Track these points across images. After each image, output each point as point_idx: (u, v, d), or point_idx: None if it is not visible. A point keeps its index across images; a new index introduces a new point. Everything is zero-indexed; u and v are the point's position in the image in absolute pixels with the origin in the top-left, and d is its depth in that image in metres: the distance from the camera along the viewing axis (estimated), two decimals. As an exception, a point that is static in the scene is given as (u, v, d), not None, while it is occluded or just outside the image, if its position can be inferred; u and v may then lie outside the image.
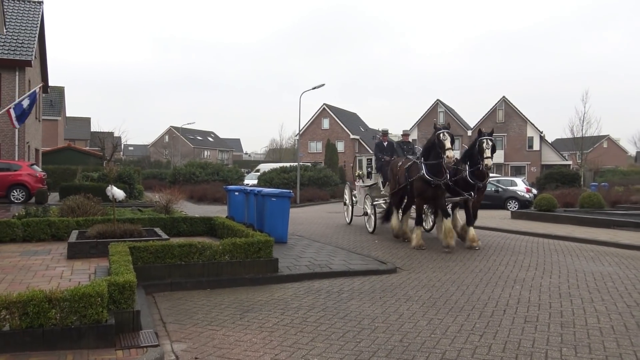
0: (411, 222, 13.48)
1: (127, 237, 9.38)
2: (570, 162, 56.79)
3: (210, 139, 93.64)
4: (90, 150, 41.26)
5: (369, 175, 16.33)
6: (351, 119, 71.03)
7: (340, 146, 62.99)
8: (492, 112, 60.79)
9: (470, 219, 12.27)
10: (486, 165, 11.52)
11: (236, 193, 15.39)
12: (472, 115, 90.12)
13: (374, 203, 15.07)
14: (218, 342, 5.34)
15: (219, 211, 20.46)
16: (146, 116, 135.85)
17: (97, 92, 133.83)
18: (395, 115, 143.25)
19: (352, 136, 65.24)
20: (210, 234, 12.16)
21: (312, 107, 73.48)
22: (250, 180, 38.76)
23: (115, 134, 54.08)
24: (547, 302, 7.04)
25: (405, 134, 15.61)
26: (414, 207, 12.94)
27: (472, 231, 12.19)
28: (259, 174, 41.45)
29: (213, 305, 6.86)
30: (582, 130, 46.58)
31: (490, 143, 11.67)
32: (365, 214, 15.51)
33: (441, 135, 11.09)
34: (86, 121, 60.58)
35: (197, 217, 12.69)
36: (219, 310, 6.60)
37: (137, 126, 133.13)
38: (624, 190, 28.99)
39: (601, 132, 53.79)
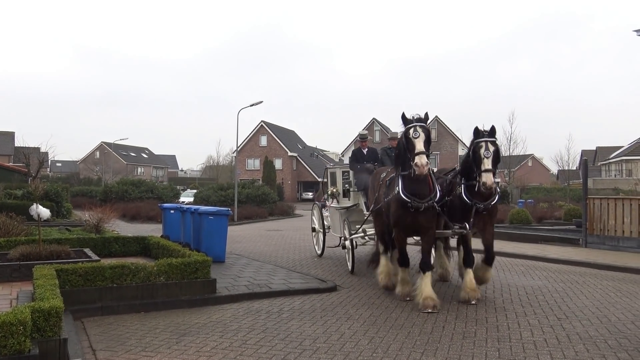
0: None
1: (53, 258, 8.84)
2: (499, 180, 59.21)
3: (145, 155, 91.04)
4: (13, 166, 38.99)
5: (345, 193, 11.95)
6: (289, 136, 71.21)
7: (278, 163, 62.93)
8: (426, 131, 62.70)
9: (469, 258, 8.37)
10: (484, 183, 7.57)
11: (172, 211, 14.95)
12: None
13: (354, 234, 10.76)
14: (153, 369, 5.07)
15: (153, 230, 19.80)
16: (75, 132, 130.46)
17: (19, 105, 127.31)
18: (331, 134, 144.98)
19: (290, 153, 65.35)
20: (144, 254, 11.70)
21: (250, 124, 73.03)
22: (187, 197, 37.91)
23: (42, 149, 51.44)
24: (483, 316, 7.20)
25: (393, 138, 10.83)
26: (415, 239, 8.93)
27: (470, 276, 8.18)
28: (195, 191, 40.65)
29: (147, 329, 6.54)
30: (509, 149, 48.74)
31: (491, 148, 7.79)
32: (343, 247, 11.45)
33: (411, 131, 7.40)
34: (9, 136, 57.34)
35: (130, 237, 12.18)
36: (154, 334, 6.30)
37: (65, 142, 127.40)
38: (548, 206, 30.55)
39: (526, 151, 56.58)
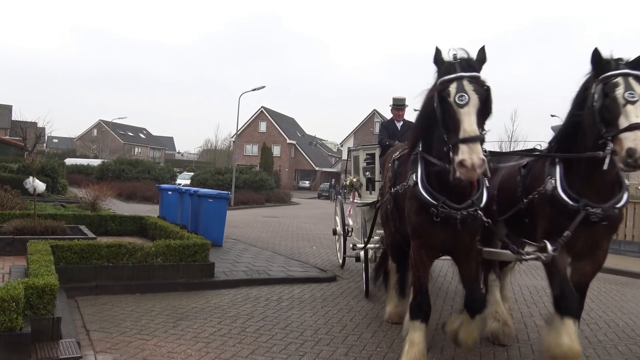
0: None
1: (48, 234, 8.61)
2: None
3: (142, 135, 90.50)
4: (10, 139, 38.58)
5: (370, 183, 8.68)
6: (288, 124, 70.84)
7: (276, 150, 62.56)
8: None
9: (566, 300, 4.38)
10: (630, 151, 3.69)
11: (169, 192, 14.74)
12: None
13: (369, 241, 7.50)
14: (148, 353, 4.88)
15: (149, 210, 19.55)
16: (73, 109, 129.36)
17: (18, 79, 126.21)
18: (329, 124, 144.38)
19: (288, 141, 65.02)
20: (141, 234, 11.48)
21: (248, 110, 72.51)
22: (183, 180, 37.59)
23: (39, 125, 50.97)
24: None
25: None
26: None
27: (563, 330, 4.29)
28: (192, 174, 40.36)
29: (143, 311, 6.34)
30: (509, 146, 48.60)
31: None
32: (358, 259, 7.99)
33: (453, 90, 3.94)
34: (6, 109, 56.68)
35: (126, 216, 11.97)
36: (150, 317, 6.10)
37: (63, 118, 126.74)
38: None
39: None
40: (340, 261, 10.19)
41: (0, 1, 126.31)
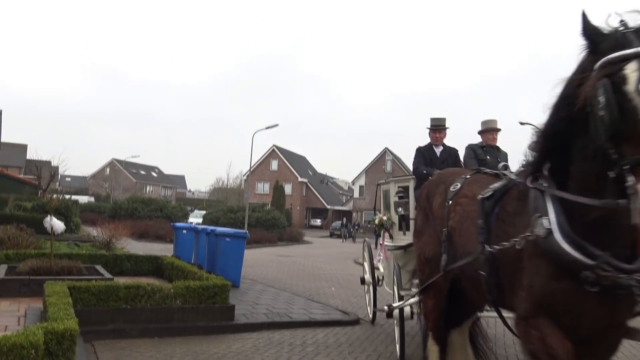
0: None
1: (64, 274, 8.39)
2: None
3: (154, 174, 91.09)
4: (24, 178, 38.89)
5: (403, 222, 7.11)
6: (300, 162, 71.05)
7: (287, 189, 62.53)
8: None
9: None
10: None
11: (184, 231, 14.53)
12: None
13: (406, 295, 6.33)
14: (172, 404, 4.57)
15: (162, 249, 19.35)
16: (86, 148, 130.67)
17: (34, 119, 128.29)
18: (340, 162, 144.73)
19: (300, 179, 65.05)
20: (157, 274, 11.22)
21: (259, 149, 72.87)
22: (195, 218, 37.49)
23: (53, 163, 51.49)
24: None
25: (488, 130, 6.90)
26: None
27: None
28: (203, 212, 40.29)
29: (163, 357, 6.04)
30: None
31: None
32: (389, 314, 6.23)
33: (628, 70, 2.36)
34: (22, 148, 57.41)
35: (142, 255, 11.75)
36: (171, 364, 5.80)
37: (76, 157, 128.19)
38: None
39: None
40: (371, 315, 8.65)
41: (17, 44, 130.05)
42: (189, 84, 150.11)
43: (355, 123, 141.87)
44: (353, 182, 68.36)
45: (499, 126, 6.95)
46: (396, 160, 63.88)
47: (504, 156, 6.74)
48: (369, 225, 49.51)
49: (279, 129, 40.76)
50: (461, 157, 6.96)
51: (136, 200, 38.88)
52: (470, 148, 6.80)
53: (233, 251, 11.18)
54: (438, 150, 7.04)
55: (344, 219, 54.17)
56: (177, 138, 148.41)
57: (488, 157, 6.53)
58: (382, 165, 61.69)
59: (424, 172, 6.51)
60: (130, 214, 35.38)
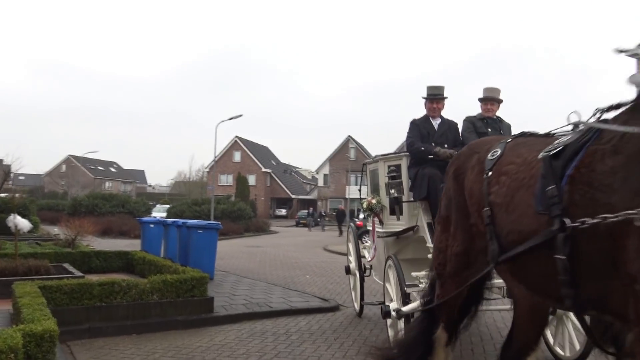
0: None
1: (32, 274, 8.01)
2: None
3: (113, 169, 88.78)
4: (-25, 178, 37.21)
5: (397, 205, 6.37)
6: (263, 152, 70.55)
7: (251, 179, 62.01)
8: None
9: None
10: None
11: (152, 225, 14.19)
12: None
13: (408, 289, 5.44)
14: (161, 402, 4.40)
15: (127, 245, 18.82)
16: (40, 145, 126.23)
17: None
18: (304, 151, 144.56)
19: (263, 169, 64.62)
20: (127, 270, 10.90)
21: (222, 141, 71.80)
22: (159, 212, 36.71)
23: (5, 162, 49.45)
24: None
25: (491, 100, 6.17)
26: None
27: None
28: (167, 206, 39.51)
29: (145, 354, 5.83)
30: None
31: None
32: (386, 314, 5.75)
33: None
34: (-29, 147, 55.02)
35: (111, 251, 11.38)
36: (154, 360, 5.61)
37: (29, 155, 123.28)
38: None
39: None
40: (357, 308, 7.97)
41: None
42: (146, 76, 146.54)
43: (316, 114, 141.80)
44: (317, 171, 68.33)
45: (501, 97, 6.22)
46: (359, 148, 64.09)
47: (507, 128, 6.11)
48: (333, 213, 49.69)
49: (241, 121, 40.36)
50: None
51: (97, 196, 37.78)
52: (469, 121, 6.14)
53: (206, 243, 10.95)
54: (436, 122, 6.17)
55: (310, 207, 54.09)
56: (136, 132, 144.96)
57: (489, 130, 5.91)
58: (345, 153, 61.79)
59: (422, 149, 5.85)
60: (91, 210, 34.33)
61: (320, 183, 66.60)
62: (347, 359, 5.69)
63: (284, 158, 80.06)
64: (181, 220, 12.11)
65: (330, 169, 63.55)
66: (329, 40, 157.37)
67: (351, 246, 8.30)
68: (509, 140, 3.35)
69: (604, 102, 2.80)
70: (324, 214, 46.03)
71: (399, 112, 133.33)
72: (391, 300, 5.88)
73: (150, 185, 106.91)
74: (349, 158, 59.75)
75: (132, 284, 7.09)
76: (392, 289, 5.86)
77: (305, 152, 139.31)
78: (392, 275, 5.81)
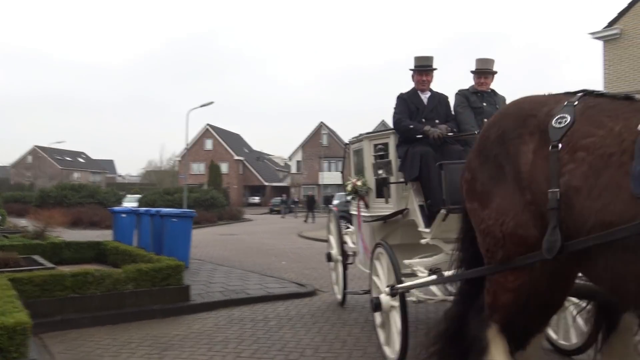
0: None
1: (1, 267, 7.77)
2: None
3: (81, 159, 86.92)
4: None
5: (385, 187, 5.86)
6: (235, 140, 69.99)
7: (224, 167, 61.53)
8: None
9: None
10: None
11: (124, 215, 13.95)
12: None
13: (402, 285, 4.67)
14: (140, 391, 4.34)
15: (99, 236, 18.40)
16: (3, 135, 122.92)
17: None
18: (276, 139, 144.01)
19: (236, 157, 64.19)
20: (100, 260, 10.66)
21: (194, 128, 70.87)
22: (130, 202, 36.16)
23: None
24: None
25: (485, 73, 5.71)
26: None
27: None
28: (138, 196, 38.97)
29: (121, 344, 5.73)
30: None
31: None
32: (377, 307, 5.03)
33: None
34: None
35: (83, 242, 11.14)
36: (130, 350, 5.52)
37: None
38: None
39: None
40: (340, 297, 7.58)
41: None
42: (113, 64, 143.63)
43: (288, 100, 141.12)
44: (290, 158, 68.18)
45: (495, 68, 5.78)
46: (332, 135, 64.10)
47: (502, 101, 5.66)
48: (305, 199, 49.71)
49: (212, 108, 39.94)
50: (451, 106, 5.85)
51: (65, 187, 36.98)
52: (462, 95, 5.70)
53: (181, 231, 10.81)
54: (425, 96, 5.71)
55: (283, 195, 53.96)
56: (104, 121, 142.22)
57: (484, 104, 5.57)
58: (318, 140, 61.78)
59: (410, 127, 5.43)
60: (59, 201, 33.56)
61: (294, 170, 66.50)
62: (326, 342, 5.68)
63: (256, 145, 79.65)
64: (154, 209, 11.93)
65: (303, 156, 63.47)
66: (299, 27, 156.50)
67: (332, 232, 7.89)
68: (575, 102, 2.69)
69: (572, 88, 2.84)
70: (296, 200, 45.92)
71: (370, 97, 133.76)
72: (380, 292, 5.19)
73: (120, 175, 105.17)
74: (321, 144, 59.85)
75: (105, 274, 6.97)
76: (382, 278, 5.19)
77: (277, 139, 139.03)
78: (383, 263, 5.20)
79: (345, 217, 9.34)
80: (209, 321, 6.77)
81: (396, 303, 4.72)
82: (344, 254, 7.30)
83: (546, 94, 3.03)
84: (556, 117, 2.66)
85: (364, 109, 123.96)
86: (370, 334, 6.00)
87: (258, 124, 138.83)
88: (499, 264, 2.92)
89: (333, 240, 7.85)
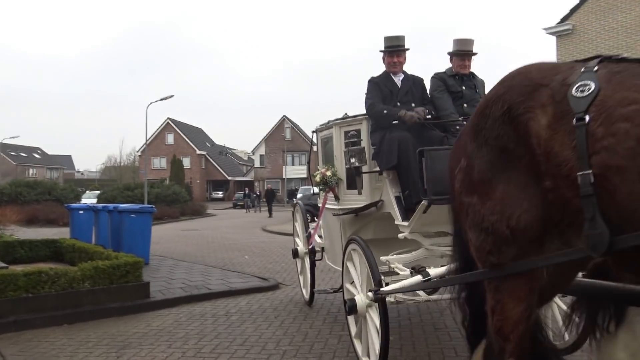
0: None
1: (-52, 267, 7.48)
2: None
3: (37, 155, 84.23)
4: None
5: (357, 177, 5.11)
6: (197, 134, 69.08)
7: (186, 162, 60.71)
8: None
9: None
10: None
11: (81, 212, 13.58)
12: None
13: (387, 289, 4.11)
14: (97, 391, 4.25)
15: (56, 234, 17.93)
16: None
17: None
18: (239, 133, 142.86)
19: (198, 152, 63.39)
20: (56, 259, 10.36)
21: (154, 122, 69.65)
22: (89, 199, 35.25)
23: None
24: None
25: (465, 53, 5.30)
26: None
27: None
28: (97, 192, 38.06)
29: (77, 344, 5.60)
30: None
31: None
32: (352, 309, 4.50)
33: None
34: None
35: (38, 240, 10.81)
36: (87, 349, 5.39)
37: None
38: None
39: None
40: (307, 296, 7.09)
41: None
42: (67, 56, 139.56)
43: (250, 94, 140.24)
44: (253, 152, 67.83)
45: (475, 49, 5.38)
46: (295, 128, 64.00)
47: (481, 85, 5.37)
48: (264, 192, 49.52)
49: (172, 102, 39.15)
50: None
51: (20, 184, 35.68)
52: (438, 78, 5.28)
53: (140, 228, 10.61)
54: (398, 79, 5.30)
55: (246, 189, 53.64)
56: (61, 116, 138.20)
57: (464, 88, 5.22)
58: (281, 133, 61.56)
59: (384, 112, 5.00)
60: (13, 199, 32.43)
61: (257, 164, 66.21)
62: (288, 336, 5.68)
63: (219, 140, 79.01)
64: (112, 205, 11.66)
65: (267, 150, 63.24)
66: (260, 18, 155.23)
67: (298, 226, 7.39)
68: (594, 67, 2.28)
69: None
70: (257, 194, 45.51)
71: (332, 91, 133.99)
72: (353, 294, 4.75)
73: (78, 171, 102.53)
74: (284, 138, 59.65)
75: (60, 272, 6.77)
76: (356, 278, 4.69)
77: (240, 133, 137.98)
78: (357, 261, 4.65)
79: (310, 211, 9.28)
80: (169, 318, 6.67)
81: (374, 305, 4.26)
82: (311, 250, 6.82)
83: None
84: (576, 86, 2.22)
85: (327, 102, 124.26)
86: (331, 326, 6.04)
87: (220, 118, 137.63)
88: (508, 266, 2.41)
89: (298, 237, 7.45)
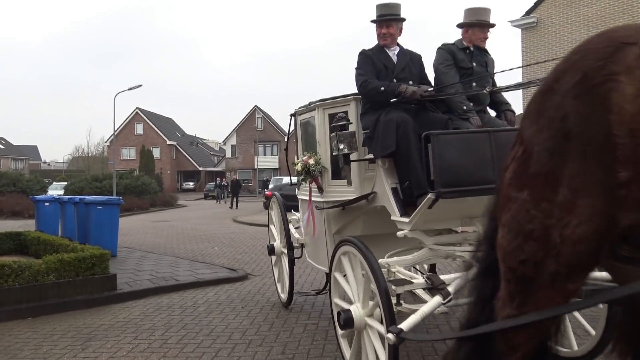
0: None
1: None
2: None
3: (1, 145, 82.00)
4: None
5: (343, 164, 4.16)
6: (167, 124, 68.17)
7: (156, 152, 59.94)
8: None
9: None
10: None
11: (47, 204, 13.36)
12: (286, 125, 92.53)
13: (411, 337, 3.18)
14: (61, 383, 4.26)
15: (21, 226, 17.62)
16: None
17: None
18: (210, 123, 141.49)
19: (168, 142, 62.58)
20: (21, 252, 10.21)
21: (123, 112, 68.31)
22: (55, 190, 34.59)
23: None
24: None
25: (482, 25, 4.54)
26: None
27: None
28: (64, 183, 37.34)
29: (42, 337, 5.58)
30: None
31: None
32: (349, 322, 3.62)
33: None
34: None
35: (1, 233, 10.61)
36: (52, 342, 5.38)
37: None
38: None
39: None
40: (285, 297, 6.38)
41: None
42: (32, 41, 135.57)
43: (221, 83, 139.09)
44: (224, 142, 67.28)
45: (492, 20, 4.64)
46: (266, 118, 63.71)
47: (492, 63, 4.73)
48: (243, 184, 49.37)
49: (142, 92, 38.68)
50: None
51: (-18, 175, 34.82)
52: (447, 50, 4.55)
53: (107, 219, 10.51)
54: (393, 53, 4.58)
55: (218, 179, 53.29)
56: (25, 104, 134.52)
57: (474, 65, 4.54)
58: (252, 124, 61.23)
59: (381, 88, 4.26)
60: (-24, 191, 31.66)
61: (228, 154, 65.74)
62: (254, 325, 5.76)
63: (189, 130, 78.16)
64: (78, 197, 11.51)
65: (238, 140, 62.84)
66: (230, 7, 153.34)
67: (275, 220, 6.71)
68: None
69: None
70: (225, 184, 44.81)
71: (303, 80, 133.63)
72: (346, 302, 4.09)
73: (45, 162, 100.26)
74: (256, 128, 59.38)
75: (24, 265, 6.71)
76: (351, 287, 3.93)
77: (211, 123, 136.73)
78: (357, 269, 3.84)
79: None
80: (136, 310, 6.69)
81: (379, 327, 3.38)
82: (289, 246, 6.06)
83: None
84: None
85: (298, 92, 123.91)
86: (298, 315, 6.15)
87: (190, 108, 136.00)
88: (548, 281, 1.91)
89: (276, 230, 6.73)
